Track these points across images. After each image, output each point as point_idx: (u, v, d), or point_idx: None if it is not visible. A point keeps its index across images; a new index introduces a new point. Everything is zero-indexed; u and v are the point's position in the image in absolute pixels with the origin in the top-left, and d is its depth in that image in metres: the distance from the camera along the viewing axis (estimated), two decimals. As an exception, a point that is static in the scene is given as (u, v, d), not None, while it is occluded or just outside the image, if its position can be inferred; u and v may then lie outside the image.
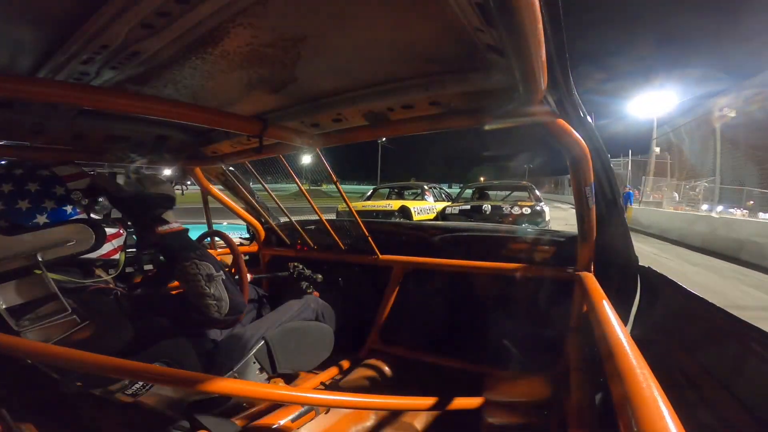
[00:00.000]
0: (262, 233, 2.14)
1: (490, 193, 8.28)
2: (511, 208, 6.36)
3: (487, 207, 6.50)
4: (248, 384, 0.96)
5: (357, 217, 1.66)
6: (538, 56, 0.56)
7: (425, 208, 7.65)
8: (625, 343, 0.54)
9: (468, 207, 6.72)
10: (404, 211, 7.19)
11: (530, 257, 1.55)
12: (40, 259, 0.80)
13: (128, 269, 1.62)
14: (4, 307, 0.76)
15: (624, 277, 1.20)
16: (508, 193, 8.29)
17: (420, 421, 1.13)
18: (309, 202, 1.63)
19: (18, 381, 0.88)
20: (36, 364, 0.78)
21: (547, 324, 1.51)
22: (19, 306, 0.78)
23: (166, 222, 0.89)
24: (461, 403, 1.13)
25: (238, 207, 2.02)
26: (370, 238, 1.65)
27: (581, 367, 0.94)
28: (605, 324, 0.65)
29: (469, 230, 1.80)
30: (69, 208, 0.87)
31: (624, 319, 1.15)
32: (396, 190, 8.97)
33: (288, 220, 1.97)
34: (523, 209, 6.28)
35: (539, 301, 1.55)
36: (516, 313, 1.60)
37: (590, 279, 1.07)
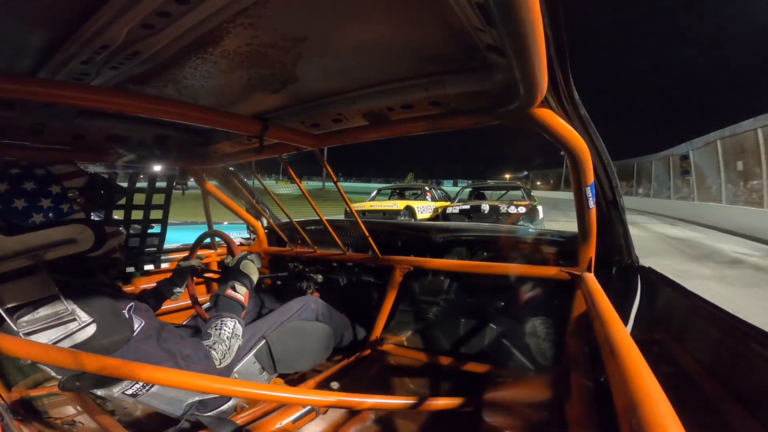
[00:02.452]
0: (262, 233, 2.14)
1: (485, 192, 8.84)
2: (508, 207, 6.65)
3: (485, 207, 6.83)
4: (248, 384, 0.96)
5: (357, 216, 1.66)
6: (538, 56, 0.55)
7: (427, 207, 8.20)
8: (626, 343, 0.54)
9: (468, 207, 7.05)
10: (410, 210, 7.80)
11: (531, 257, 1.55)
12: (41, 260, 0.80)
13: (128, 269, 1.62)
14: (5, 307, 0.76)
15: (624, 276, 1.20)
16: (503, 192, 8.79)
17: (420, 421, 1.13)
18: (310, 202, 1.63)
19: (18, 381, 0.89)
20: (36, 364, 0.78)
21: (547, 324, 1.50)
22: (19, 306, 0.78)
23: (236, 291, 1.16)
24: (461, 403, 1.13)
25: (238, 207, 2.03)
26: (370, 238, 1.65)
27: (581, 367, 0.94)
28: (605, 324, 0.65)
29: (469, 230, 1.80)
30: (66, 207, 0.87)
31: (624, 319, 1.15)
32: (397, 191, 9.73)
33: (288, 220, 1.97)
34: (519, 208, 6.56)
35: (540, 301, 1.55)
36: (516, 314, 1.60)
37: (590, 279, 1.07)
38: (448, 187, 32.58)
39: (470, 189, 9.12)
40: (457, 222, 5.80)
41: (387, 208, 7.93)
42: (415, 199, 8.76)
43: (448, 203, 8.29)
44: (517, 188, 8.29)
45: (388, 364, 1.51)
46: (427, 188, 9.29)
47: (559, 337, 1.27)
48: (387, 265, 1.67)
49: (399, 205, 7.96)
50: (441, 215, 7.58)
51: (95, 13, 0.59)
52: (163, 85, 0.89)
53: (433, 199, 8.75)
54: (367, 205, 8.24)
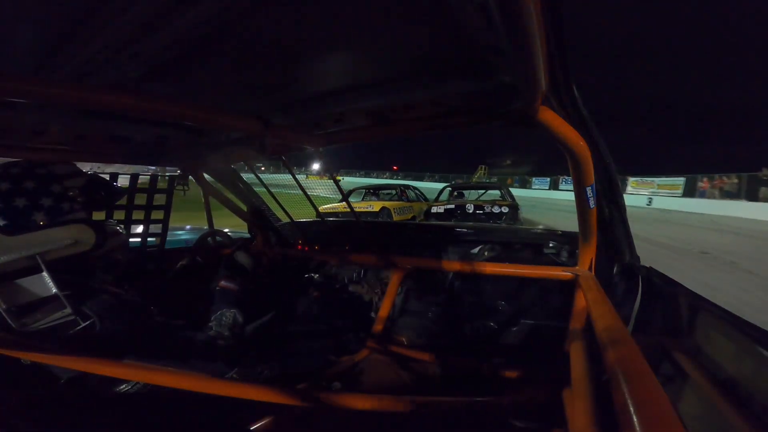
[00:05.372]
0: (263, 233, 2.14)
1: (466, 191, 9.02)
2: (491, 207, 6.91)
3: (470, 206, 7.03)
4: (248, 384, 0.96)
5: (358, 217, 1.66)
6: (538, 56, 0.55)
7: (404, 208, 8.06)
8: (626, 343, 0.54)
9: (452, 206, 7.15)
10: (386, 212, 7.51)
11: (531, 257, 1.55)
12: (41, 260, 0.80)
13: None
14: (5, 307, 0.76)
15: (625, 276, 1.20)
16: (482, 192, 9.10)
17: (421, 421, 1.13)
18: (310, 202, 1.63)
19: (18, 381, 0.88)
20: (36, 364, 0.78)
21: (547, 324, 1.51)
22: (20, 306, 0.78)
23: (229, 282, 1.25)
24: (461, 403, 1.13)
25: (239, 207, 2.03)
26: (370, 238, 1.65)
27: (582, 367, 0.94)
28: (606, 324, 0.64)
29: (470, 230, 1.80)
30: (67, 206, 0.87)
31: (625, 319, 1.15)
32: (372, 191, 9.22)
33: (289, 220, 1.97)
34: (502, 208, 6.87)
35: (540, 301, 1.55)
36: (517, 314, 1.60)
37: (591, 279, 1.07)
38: (538, 186, 31.22)
39: (449, 189, 9.19)
40: (457, 222, 5.81)
41: (361, 209, 7.48)
42: (390, 200, 8.42)
43: (426, 204, 8.19)
44: (495, 187, 8.67)
45: (389, 364, 1.51)
46: (402, 188, 9.05)
47: (559, 337, 1.27)
48: (387, 265, 1.67)
49: (374, 206, 7.50)
50: (424, 215, 7.51)
51: (96, 12, 0.59)
52: (163, 85, 0.89)
53: (408, 200, 8.51)
54: (340, 207, 7.30)
